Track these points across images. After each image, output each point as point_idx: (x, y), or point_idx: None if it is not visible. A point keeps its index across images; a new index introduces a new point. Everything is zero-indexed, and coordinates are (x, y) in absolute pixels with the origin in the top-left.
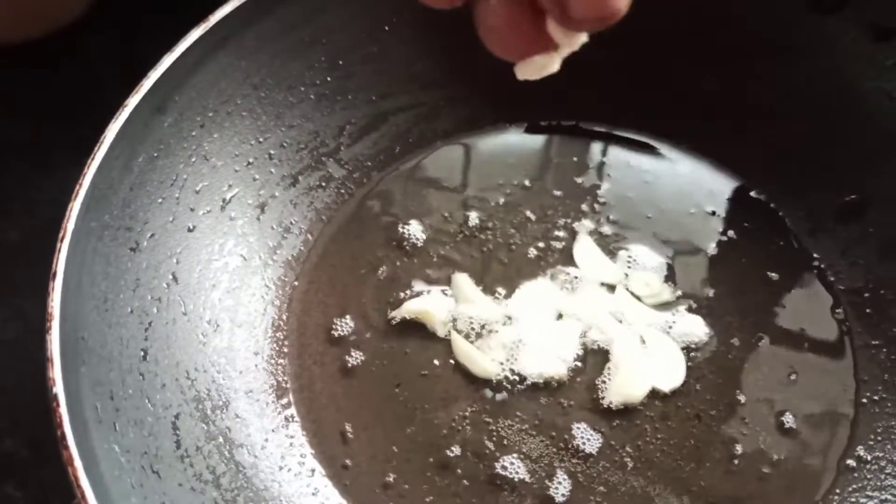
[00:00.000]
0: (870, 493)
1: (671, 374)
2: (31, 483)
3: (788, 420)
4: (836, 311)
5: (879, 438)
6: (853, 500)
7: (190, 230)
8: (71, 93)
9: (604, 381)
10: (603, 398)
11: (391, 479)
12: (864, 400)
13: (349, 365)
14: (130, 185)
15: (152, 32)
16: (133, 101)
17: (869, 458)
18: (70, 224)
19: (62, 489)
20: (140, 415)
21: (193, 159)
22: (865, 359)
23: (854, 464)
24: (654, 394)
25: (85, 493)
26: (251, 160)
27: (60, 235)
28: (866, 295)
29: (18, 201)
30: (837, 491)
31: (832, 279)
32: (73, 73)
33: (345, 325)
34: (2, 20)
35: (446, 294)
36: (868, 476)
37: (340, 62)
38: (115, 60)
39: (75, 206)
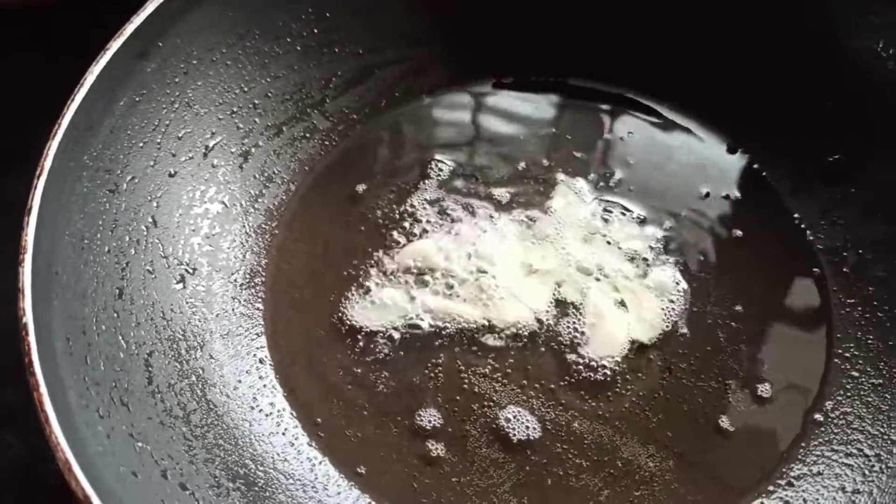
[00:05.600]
0: (836, 447)
1: (649, 325)
2: (28, 432)
3: (758, 373)
4: (814, 269)
5: (849, 394)
6: (819, 452)
7: (171, 175)
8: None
9: (578, 333)
10: (578, 350)
11: (361, 423)
12: (836, 358)
13: (325, 312)
14: (111, 127)
15: None
16: (115, 44)
17: (837, 412)
18: (47, 162)
19: None
20: (112, 350)
21: (176, 105)
22: (840, 317)
23: (822, 418)
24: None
25: (49, 417)
26: (235, 109)
27: (38, 173)
28: (845, 254)
29: None
30: (803, 444)
31: (811, 238)
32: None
33: (322, 274)
34: None
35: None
36: (835, 430)
37: (328, 14)
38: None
39: (53, 145)
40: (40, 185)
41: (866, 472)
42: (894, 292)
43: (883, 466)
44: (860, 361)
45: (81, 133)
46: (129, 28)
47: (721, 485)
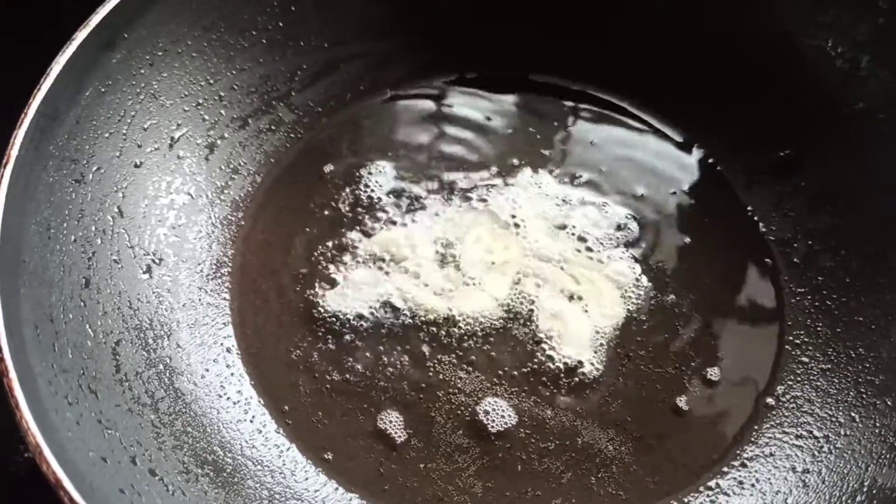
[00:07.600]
0: (787, 430)
1: (609, 315)
2: None
3: (713, 360)
4: (766, 260)
5: (799, 379)
6: (771, 435)
7: (137, 166)
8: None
9: (540, 323)
10: (539, 339)
11: (327, 410)
12: (787, 345)
13: (291, 301)
14: (77, 117)
15: None
16: (81, 35)
17: (788, 396)
18: (14, 151)
19: None
20: (80, 338)
21: (142, 97)
22: (791, 305)
23: (773, 402)
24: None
25: (18, 401)
26: (201, 101)
27: (4, 161)
28: (795, 245)
29: None
30: (756, 427)
31: (763, 230)
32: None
33: (288, 264)
34: None
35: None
36: (786, 413)
37: (293, 8)
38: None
39: (19, 134)
40: (6, 173)
41: (815, 453)
42: (842, 281)
43: (831, 447)
44: (810, 348)
45: (47, 122)
46: (96, 18)
47: (677, 466)
